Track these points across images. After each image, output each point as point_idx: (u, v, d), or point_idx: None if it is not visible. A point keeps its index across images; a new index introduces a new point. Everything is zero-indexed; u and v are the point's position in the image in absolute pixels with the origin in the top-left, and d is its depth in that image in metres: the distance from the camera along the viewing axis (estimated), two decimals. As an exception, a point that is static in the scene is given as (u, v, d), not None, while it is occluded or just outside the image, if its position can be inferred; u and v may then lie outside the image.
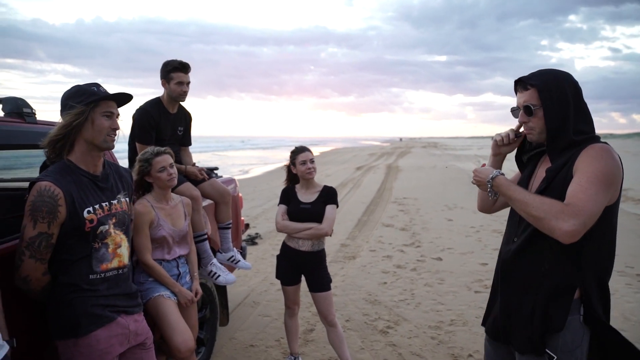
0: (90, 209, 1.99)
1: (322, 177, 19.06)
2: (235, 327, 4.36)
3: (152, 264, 2.67)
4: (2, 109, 2.34)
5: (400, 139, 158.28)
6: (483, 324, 2.13)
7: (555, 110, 1.79)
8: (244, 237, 5.41)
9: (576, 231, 1.60)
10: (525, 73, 1.91)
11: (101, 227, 2.02)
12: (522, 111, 1.87)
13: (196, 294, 2.84)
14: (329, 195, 3.33)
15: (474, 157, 32.77)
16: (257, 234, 8.12)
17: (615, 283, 5.19)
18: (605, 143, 1.76)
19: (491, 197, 1.94)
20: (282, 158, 40.60)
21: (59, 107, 2.06)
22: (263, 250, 7.26)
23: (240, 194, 4.49)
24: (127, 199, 2.21)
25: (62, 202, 1.90)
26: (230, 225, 3.69)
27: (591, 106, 1.92)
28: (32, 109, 2.38)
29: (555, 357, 1.76)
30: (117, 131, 2.07)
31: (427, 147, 62.84)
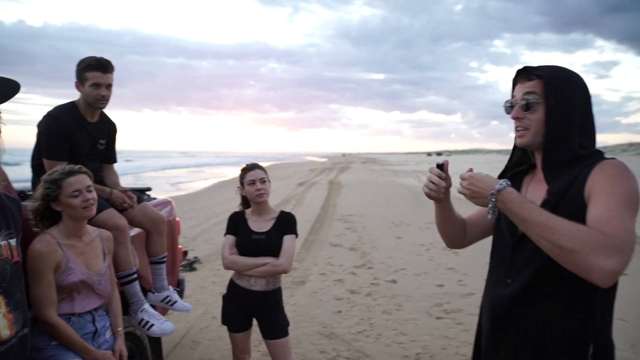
0: None
1: (264, 194, 18.43)
2: (170, 376, 3.69)
3: (56, 322, 2.00)
4: None
5: (343, 155, 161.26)
6: None
7: (560, 110, 1.41)
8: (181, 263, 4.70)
9: (620, 271, 1.21)
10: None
11: None
12: (519, 105, 1.47)
13: (120, 356, 2.18)
14: (286, 223, 2.80)
15: (412, 172, 33.24)
16: (195, 257, 7.36)
17: None
18: (613, 158, 1.40)
19: (491, 215, 1.40)
20: (220, 174, 39.39)
21: None
22: (203, 277, 6.54)
23: (177, 218, 3.84)
24: (12, 241, 1.56)
25: None
26: (165, 259, 3.05)
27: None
28: None
29: None
30: None
31: (366, 162, 63.62)
